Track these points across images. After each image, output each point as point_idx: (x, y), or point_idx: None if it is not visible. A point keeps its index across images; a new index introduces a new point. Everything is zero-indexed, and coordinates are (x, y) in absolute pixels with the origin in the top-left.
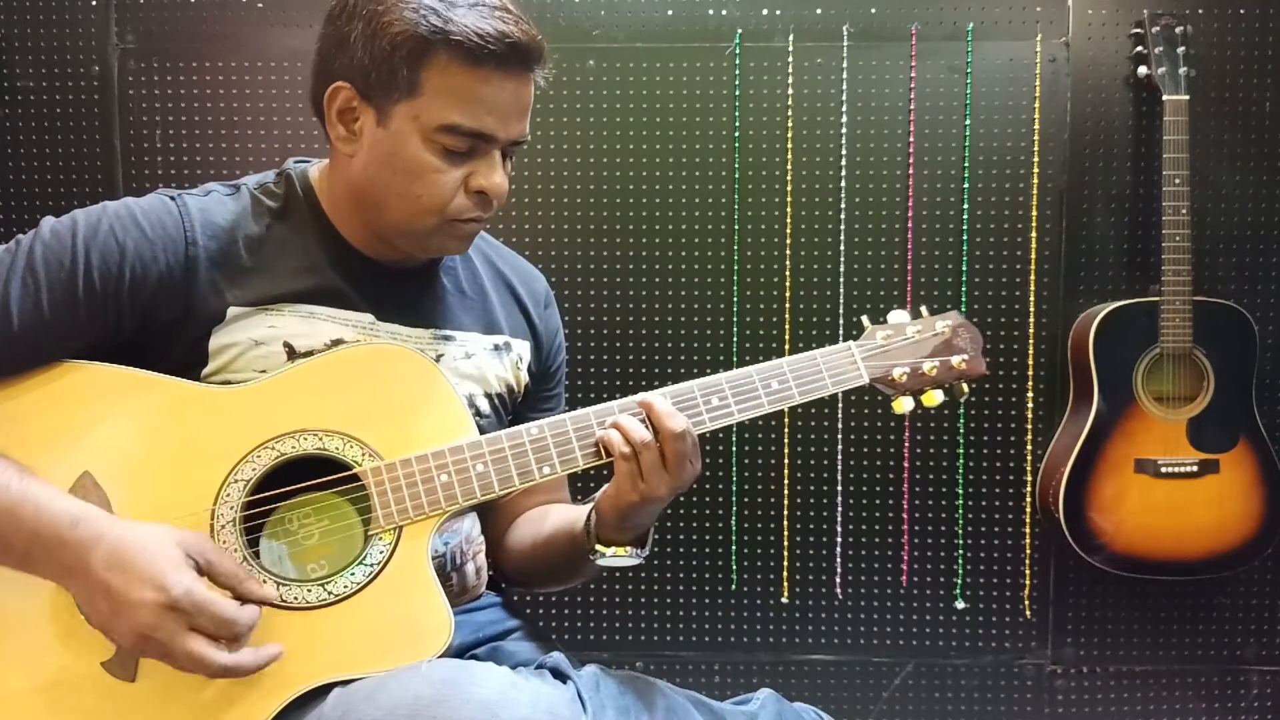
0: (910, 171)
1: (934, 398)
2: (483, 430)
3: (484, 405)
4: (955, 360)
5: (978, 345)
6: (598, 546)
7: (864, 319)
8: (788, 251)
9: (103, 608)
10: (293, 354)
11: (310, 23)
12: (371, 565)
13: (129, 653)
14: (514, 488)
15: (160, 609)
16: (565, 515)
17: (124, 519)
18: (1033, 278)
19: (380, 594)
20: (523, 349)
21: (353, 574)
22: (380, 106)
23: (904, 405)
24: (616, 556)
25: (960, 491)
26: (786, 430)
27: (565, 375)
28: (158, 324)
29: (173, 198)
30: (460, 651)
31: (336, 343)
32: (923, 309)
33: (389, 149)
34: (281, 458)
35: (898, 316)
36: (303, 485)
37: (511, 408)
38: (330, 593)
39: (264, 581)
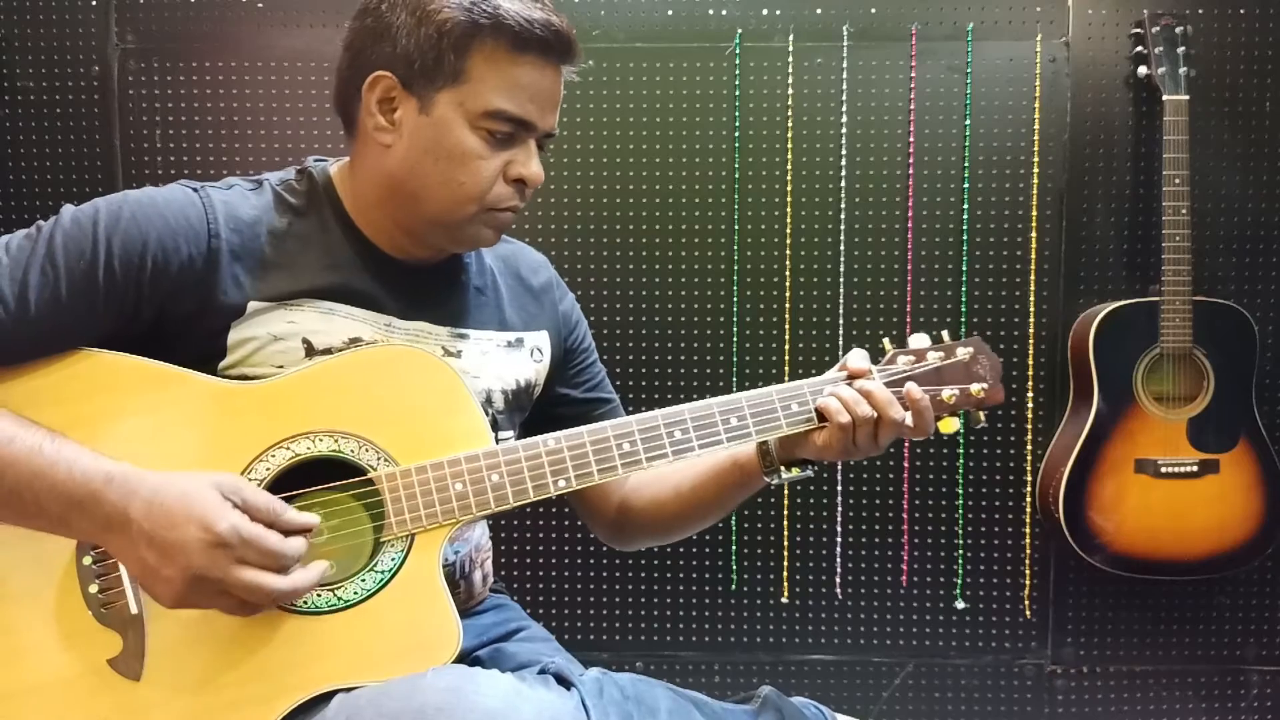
0: (910, 171)
1: (951, 425)
2: (496, 425)
3: (499, 401)
4: (975, 388)
5: (997, 373)
6: (780, 469)
7: (885, 342)
8: (788, 252)
9: (148, 557)
10: (311, 351)
11: (310, 23)
12: (382, 572)
13: (177, 603)
14: (528, 499)
15: (209, 546)
16: (713, 457)
17: (155, 471)
18: (1033, 278)
19: (390, 602)
20: (538, 340)
21: (363, 580)
22: (423, 95)
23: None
24: (798, 475)
25: (960, 491)
26: None
27: (593, 347)
28: (176, 315)
29: (195, 189)
30: (462, 654)
31: (355, 341)
32: (944, 334)
33: (432, 136)
34: (296, 458)
35: (919, 340)
36: (316, 488)
37: (528, 403)
38: (340, 598)
39: (300, 512)
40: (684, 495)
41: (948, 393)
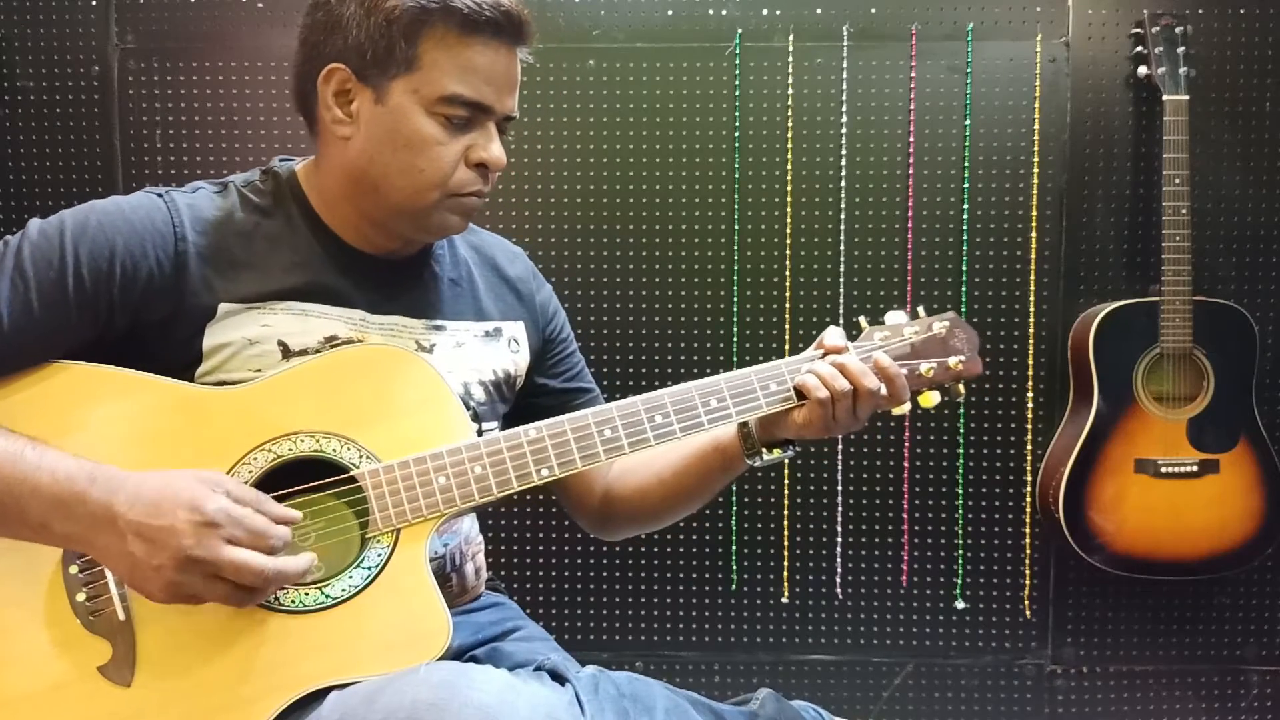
0: (910, 171)
1: (931, 399)
2: (478, 418)
3: (478, 393)
4: (952, 361)
5: (974, 345)
6: (761, 450)
7: (861, 319)
8: (788, 251)
9: (137, 549)
10: (287, 353)
11: None
12: (369, 568)
13: (166, 595)
14: (511, 490)
15: (198, 527)
16: (695, 441)
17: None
18: (1033, 278)
19: (378, 597)
20: (515, 330)
21: (350, 577)
22: (377, 84)
23: (902, 407)
24: (779, 457)
25: (960, 491)
26: None
27: (572, 337)
28: (149, 322)
29: (160, 194)
30: (459, 652)
31: (331, 339)
32: (920, 309)
33: (389, 125)
34: (278, 460)
35: (895, 317)
36: (300, 488)
37: (509, 394)
38: (328, 596)
39: (284, 506)
40: (667, 482)
41: (925, 366)
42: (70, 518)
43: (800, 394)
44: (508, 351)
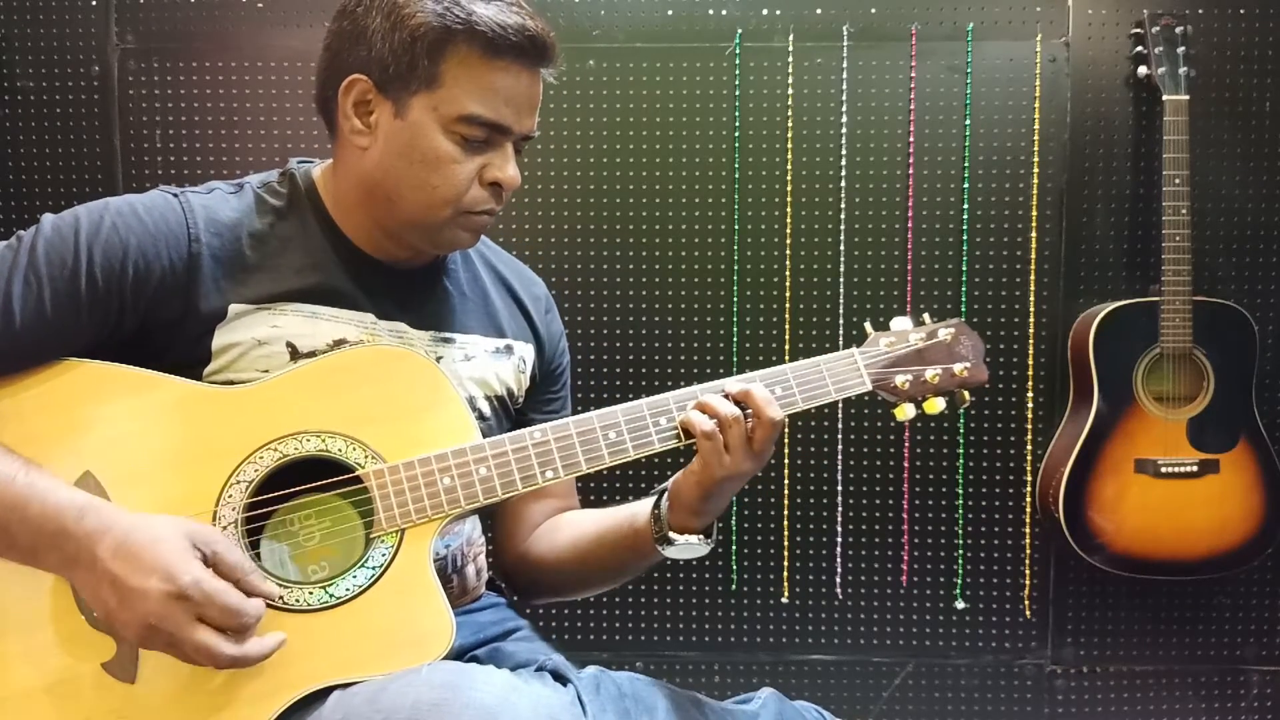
0: (910, 171)
1: (936, 405)
2: (483, 433)
3: (484, 408)
4: (957, 368)
5: (979, 353)
6: (670, 534)
7: (866, 325)
8: (788, 251)
9: (108, 598)
10: (296, 354)
11: (310, 23)
12: (373, 568)
13: (134, 644)
14: (516, 491)
15: (168, 598)
16: (616, 513)
17: (130, 511)
18: (1033, 278)
19: (382, 597)
20: (526, 352)
21: (354, 576)
22: (398, 98)
23: (906, 412)
24: (689, 545)
25: (960, 491)
26: (787, 430)
27: (569, 379)
28: (160, 321)
29: (175, 194)
30: (460, 652)
31: (339, 343)
32: (925, 316)
33: (407, 140)
34: (284, 459)
35: (900, 323)
36: (305, 487)
37: (512, 411)
38: (332, 595)
39: (265, 579)
40: (582, 550)
41: (930, 372)
42: (53, 550)
43: (687, 433)
44: (515, 370)
